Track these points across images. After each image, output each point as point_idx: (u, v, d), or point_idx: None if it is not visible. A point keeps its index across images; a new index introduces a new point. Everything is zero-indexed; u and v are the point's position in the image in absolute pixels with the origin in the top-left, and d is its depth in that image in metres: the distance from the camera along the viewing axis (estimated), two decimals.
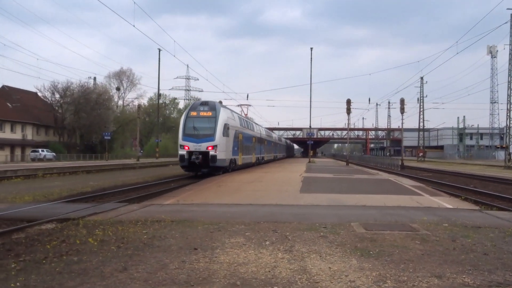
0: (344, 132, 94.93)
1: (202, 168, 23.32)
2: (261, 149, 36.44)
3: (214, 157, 23.18)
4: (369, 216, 8.07)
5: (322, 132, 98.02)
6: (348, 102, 35.04)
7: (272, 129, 73.30)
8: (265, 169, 25.56)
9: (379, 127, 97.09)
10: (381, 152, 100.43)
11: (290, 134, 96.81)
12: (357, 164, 43.60)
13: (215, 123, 23.56)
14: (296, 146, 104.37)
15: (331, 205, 9.57)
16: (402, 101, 34.86)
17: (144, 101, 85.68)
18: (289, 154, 78.32)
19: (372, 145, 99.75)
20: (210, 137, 23.27)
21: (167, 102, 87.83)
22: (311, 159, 42.97)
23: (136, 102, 76.28)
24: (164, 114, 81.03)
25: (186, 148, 23.21)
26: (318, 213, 8.46)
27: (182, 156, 23.18)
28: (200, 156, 22.98)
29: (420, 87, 58.83)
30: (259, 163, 34.84)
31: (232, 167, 25.61)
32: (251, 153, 31.45)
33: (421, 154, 61.70)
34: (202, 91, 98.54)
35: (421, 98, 58.95)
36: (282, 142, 58.91)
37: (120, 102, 78.47)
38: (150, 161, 42.02)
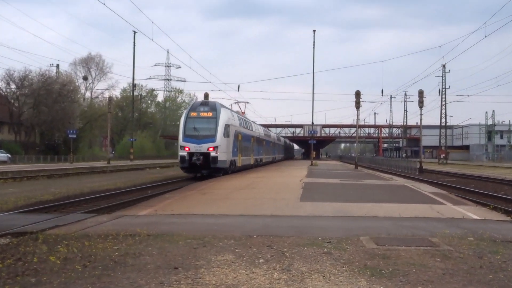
0: (353, 130, 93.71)
1: (202, 169, 25.84)
2: (260, 150, 38.72)
3: (215, 158, 25.71)
4: (381, 229, 8.06)
5: (327, 130, 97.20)
6: (357, 94, 34.96)
7: (267, 126, 72.96)
8: (260, 173, 25.79)
9: (394, 123, 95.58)
10: (396, 153, 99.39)
11: (289, 132, 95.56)
12: (368, 167, 43.41)
13: (216, 124, 26.08)
14: (296, 146, 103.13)
15: (336, 216, 9.54)
16: (420, 93, 34.27)
17: (116, 93, 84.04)
18: (289, 155, 78.26)
19: (385, 145, 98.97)
20: (211, 138, 25.79)
21: (144, 94, 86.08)
22: (314, 161, 42.33)
23: (106, 94, 74.69)
24: (140, 108, 78.93)
25: (187, 149, 25.70)
26: (321, 225, 8.45)
27: (182, 157, 25.64)
28: (201, 157, 25.49)
29: (442, 76, 58.21)
30: (257, 165, 37.17)
31: (231, 169, 28.04)
32: (250, 154, 33.97)
33: (443, 155, 61.31)
34: (184, 81, 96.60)
35: (443, 89, 58.48)
36: (281, 142, 59.35)
37: (88, 94, 76.93)
38: (123, 163, 42.23)
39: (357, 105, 34.97)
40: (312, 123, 43.48)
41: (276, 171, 27.52)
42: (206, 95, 32.33)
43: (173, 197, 13.22)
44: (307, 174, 24.31)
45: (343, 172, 27.52)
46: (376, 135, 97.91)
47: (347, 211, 10.19)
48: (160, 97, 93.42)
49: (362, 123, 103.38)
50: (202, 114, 26.78)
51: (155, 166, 42.05)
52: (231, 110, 31.39)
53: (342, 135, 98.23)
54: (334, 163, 52.06)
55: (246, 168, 32.35)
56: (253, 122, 40.45)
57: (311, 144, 44.81)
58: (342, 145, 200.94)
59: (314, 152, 54.07)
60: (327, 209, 10.38)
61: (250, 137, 34.20)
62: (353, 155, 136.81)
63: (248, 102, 43.30)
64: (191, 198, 12.68)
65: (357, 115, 37.52)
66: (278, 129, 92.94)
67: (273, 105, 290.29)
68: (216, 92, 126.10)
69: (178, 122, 72.79)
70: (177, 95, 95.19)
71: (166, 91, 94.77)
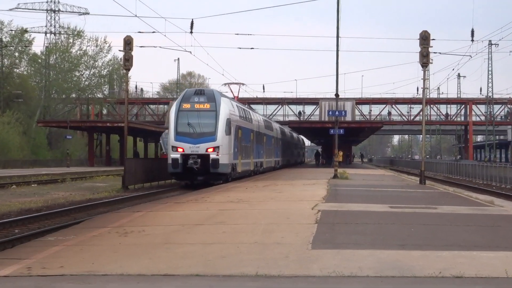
0: (416, 109, 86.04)
1: (199, 175, 29.29)
2: (260, 150, 42.24)
3: (215, 161, 29.14)
4: None
5: (364, 108, 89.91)
6: (425, 39, 27.79)
7: (249, 102, 72.28)
8: (241, 191, 24.32)
9: (496, 96, 75.88)
10: (501, 153, 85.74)
11: (291, 112, 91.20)
12: (446, 181, 41.88)
13: (215, 118, 29.40)
14: (306, 141, 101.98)
15: (384, 278, 7.86)
16: None
17: None
18: (297, 157, 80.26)
19: (480, 138, 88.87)
20: (211, 136, 29.14)
21: (7, 39, 68.31)
22: (340, 169, 38.64)
23: None
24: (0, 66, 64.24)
25: (180, 150, 28.94)
26: None
27: (174, 161, 28.98)
28: (199, 160, 28.79)
29: None
30: (256, 172, 40.55)
31: (232, 175, 31.62)
32: (249, 156, 37.55)
33: None
34: (86, 13, 78.97)
35: None
36: (286, 137, 63.07)
37: None
38: None
39: (424, 60, 27.91)
40: (337, 94, 37.00)
41: (271, 188, 25.98)
42: (127, 42, 30.32)
43: (66, 240, 11.36)
44: (327, 194, 21.90)
45: (397, 191, 24.99)
46: (463, 118, 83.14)
47: (405, 266, 8.50)
48: (37, 45, 76.59)
49: (433, 95, 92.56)
50: (197, 106, 29.73)
51: (29, 181, 35.79)
52: (230, 98, 34.45)
53: (395, 118, 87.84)
54: (379, 173, 49.30)
55: (244, 176, 35.40)
56: (251, 109, 44.00)
57: (335, 137, 37.99)
58: (395, 138, 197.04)
59: (341, 153, 51.98)
60: (364, 264, 8.58)
61: (249, 132, 37.52)
62: (416, 158, 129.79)
63: (243, 84, 46.46)
64: (101, 243, 10.97)
65: (424, 80, 29.98)
66: (270, 108, 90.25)
67: (259, 60, 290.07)
68: (148, 34, 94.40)
69: (85, 97, 72.62)
70: (71, 41, 77.71)
71: (51, 33, 78.31)
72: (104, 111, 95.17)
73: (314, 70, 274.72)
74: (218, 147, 29.39)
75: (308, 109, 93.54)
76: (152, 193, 29.07)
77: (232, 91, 43.98)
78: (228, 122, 30.71)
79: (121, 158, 67.33)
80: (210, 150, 29.44)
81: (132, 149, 74.99)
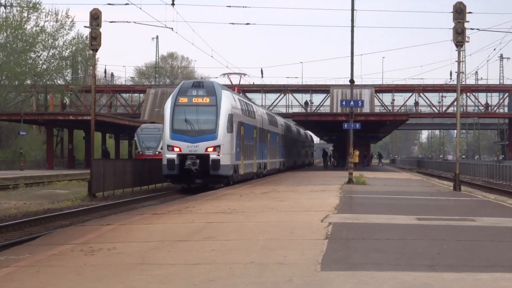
0: (449, 98, 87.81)
1: (197, 178, 32.12)
2: (263, 150, 45.37)
3: (216, 162, 31.71)
4: None
5: (385, 97, 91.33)
6: (460, 12, 27.46)
7: (244, 91, 72.61)
8: (238, 200, 24.60)
9: None
10: None
11: (296, 103, 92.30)
12: (486, 186, 42.64)
13: (216, 114, 31.92)
14: (315, 139, 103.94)
15: None
16: None
17: None
18: (305, 158, 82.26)
19: None
20: (211, 134, 31.72)
21: None
22: (356, 173, 38.81)
23: None
24: None
25: (177, 149, 31.61)
26: None
27: (170, 162, 31.63)
28: (198, 160, 31.39)
29: None
30: (259, 174, 43.70)
31: (234, 178, 34.57)
32: (252, 155, 40.38)
33: None
34: None
35: None
36: (292, 133, 66.04)
37: None
38: None
39: (459, 38, 27.90)
40: (352, 80, 37.43)
41: (271, 196, 26.39)
42: (94, 16, 31.15)
43: (18, 260, 11.38)
44: (340, 203, 22.35)
45: (426, 200, 25.81)
46: (507, 109, 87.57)
47: None
48: None
49: (470, 82, 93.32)
50: (196, 100, 32.18)
51: None
52: (232, 91, 37.04)
53: (423, 110, 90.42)
54: (404, 177, 49.88)
55: (247, 179, 38.35)
56: (253, 102, 47.59)
57: (349, 133, 38.56)
58: (423, 134, 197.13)
59: (357, 152, 52.43)
60: None
61: (252, 129, 40.51)
62: (449, 158, 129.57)
63: (245, 74, 49.32)
64: (62, 263, 10.98)
65: (458, 62, 30.00)
66: (270, 97, 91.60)
67: (256, 38, 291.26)
68: (119, 7, 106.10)
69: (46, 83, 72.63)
70: (26, 15, 76.68)
71: (0, 5, 77.76)
72: (66, 101, 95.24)
73: (323, 51, 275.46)
74: (219, 146, 31.86)
75: (317, 98, 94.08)
76: (126, 202, 29.40)
77: (231, 82, 46.43)
78: (230, 118, 33.06)
79: (87, 159, 67.42)
80: (210, 149, 31.94)
81: (100, 147, 75.13)
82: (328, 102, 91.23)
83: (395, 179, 45.83)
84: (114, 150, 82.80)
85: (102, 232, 15.31)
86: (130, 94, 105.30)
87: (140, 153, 60.70)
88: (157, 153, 59.35)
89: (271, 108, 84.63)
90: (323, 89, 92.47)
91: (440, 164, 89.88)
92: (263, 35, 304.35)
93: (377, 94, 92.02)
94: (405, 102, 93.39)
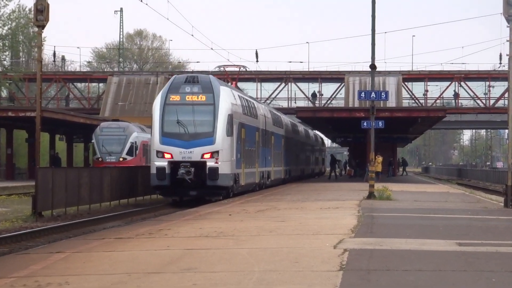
0: (498, 89, 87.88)
1: (191, 189, 34.73)
2: (266, 155, 48.52)
3: (214, 171, 34.22)
4: None
5: (417, 88, 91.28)
6: None
7: (233, 78, 72.06)
8: (227, 220, 24.84)
9: None
10: None
11: (299, 96, 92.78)
12: None
13: (214, 115, 34.44)
14: (325, 140, 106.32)
15: None
16: None
17: None
18: (315, 164, 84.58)
19: None
20: (208, 137, 34.28)
21: None
22: (377, 184, 39.32)
23: None
24: None
25: (168, 156, 34.07)
26: None
27: (160, 171, 34.22)
28: (192, 169, 33.82)
29: None
30: (262, 185, 46.82)
31: (234, 189, 37.02)
32: (254, 163, 43.17)
33: None
34: None
35: None
36: (300, 136, 69.48)
37: None
38: None
39: (511, 10, 28.82)
40: (373, 65, 37.53)
41: (269, 214, 26.45)
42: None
43: None
44: (358, 224, 22.71)
45: (469, 219, 25.83)
46: None
47: None
48: None
49: None
50: (189, 98, 34.62)
51: None
52: (231, 88, 40.01)
53: (465, 104, 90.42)
54: (441, 190, 51.15)
55: (248, 190, 41.46)
56: (255, 99, 50.68)
57: (370, 133, 39.03)
58: (466, 134, 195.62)
59: (380, 159, 52.08)
60: None
61: (254, 131, 43.41)
62: (499, 165, 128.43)
63: (244, 67, 51.56)
64: None
65: (510, 42, 30.60)
66: (268, 87, 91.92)
67: (250, 12, 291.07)
68: None
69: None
70: None
71: None
72: (4, 93, 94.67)
73: (336, 28, 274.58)
74: (217, 152, 34.39)
75: (328, 89, 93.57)
76: (82, 223, 29.32)
77: (229, 77, 49.13)
78: (230, 119, 35.47)
79: (30, 167, 67.18)
80: (207, 156, 34.48)
81: (48, 153, 74.71)
82: (342, 94, 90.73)
83: (429, 193, 46.12)
84: (66, 156, 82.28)
85: (51, 261, 15.22)
86: (87, 84, 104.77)
87: (99, 159, 60.40)
88: (121, 159, 59.15)
89: (268, 102, 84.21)
90: (336, 76, 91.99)
91: (487, 173, 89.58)
92: (258, 7, 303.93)
93: (406, 83, 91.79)
94: (441, 94, 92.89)
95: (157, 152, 34.23)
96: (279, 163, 54.45)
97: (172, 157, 33.98)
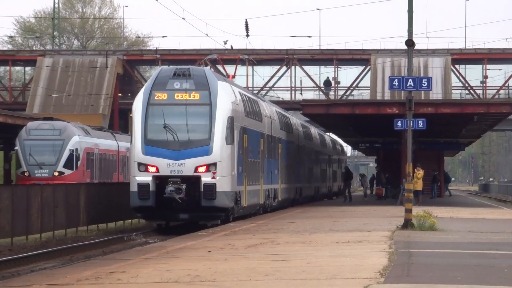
0: None
1: (181, 212, 36.42)
2: (273, 169, 50.78)
3: (211, 188, 36.17)
4: None
5: (471, 73, 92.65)
6: None
7: (213, 61, 72.69)
8: (206, 259, 25.48)
9: None
10: None
11: (306, 85, 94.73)
12: None
13: (210, 117, 36.33)
14: (342, 144, 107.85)
15: None
16: None
17: None
18: (332, 180, 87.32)
19: None
20: (203, 146, 36.23)
21: None
22: (415, 209, 39.55)
23: None
24: None
25: (153, 170, 36.03)
26: None
27: (143, 188, 35.84)
28: (184, 186, 35.54)
29: None
30: (267, 207, 49.01)
31: (234, 211, 39.10)
32: (257, 178, 45.55)
33: None
34: None
35: None
36: (315, 142, 72.99)
37: None
38: None
39: None
40: (410, 41, 37.94)
41: (265, 251, 26.91)
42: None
43: None
44: (390, 264, 22.38)
45: None
46: None
47: None
48: None
49: None
50: (180, 96, 36.65)
51: None
52: (229, 82, 42.00)
53: None
54: (505, 216, 51.79)
55: (250, 213, 44.11)
56: (260, 98, 54.08)
57: (406, 137, 39.90)
58: None
59: (421, 172, 52.08)
60: None
61: (258, 137, 45.71)
62: None
63: (246, 56, 56.96)
64: None
65: None
66: (264, 71, 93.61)
67: None
68: None
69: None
70: None
71: None
72: None
73: None
74: (214, 164, 36.12)
75: (346, 74, 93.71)
76: (2, 262, 29.11)
77: (224, 68, 51.67)
78: (231, 122, 37.20)
79: None
80: (202, 169, 36.34)
81: None
82: (366, 81, 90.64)
83: (489, 220, 46.25)
84: None
85: None
86: (7, 68, 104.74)
87: (26, 174, 60.06)
88: (56, 174, 58.95)
89: (263, 93, 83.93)
90: (358, 57, 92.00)
91: None
92: None
93: (456, 66, 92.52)
94: (507, 81, 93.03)
95: (139, 164, 35.78)
96: (288, 179, 56.11)
97: (157, 170, 35.65)
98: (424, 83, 39.45)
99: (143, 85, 39.30)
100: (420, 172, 53.15)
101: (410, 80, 37.80)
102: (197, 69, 38.07)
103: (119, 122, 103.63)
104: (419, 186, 53.28)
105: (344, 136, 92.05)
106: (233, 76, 50.57)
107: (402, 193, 41.61)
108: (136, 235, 38.24)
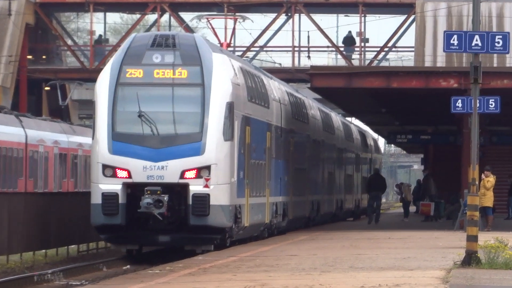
0: None
1: (162, 232, 33.98)
2: (283, 175, 46.29)
3: (203, 200, 33.57)
4: None
5: None
6: None
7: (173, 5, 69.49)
8: None
9: None
10: None
11: (316, 46, 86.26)
12: None
13: (202, 102, 33.97)
14: (374, 137, 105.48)
15: None
16: None
17: None
18: (361, 192, 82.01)
19: None
20: (192, 142, 33.89)
21: None
22: (481, 235, 35.13)
23: None
24: None
25: (123, 174, 33.62)
26: None
27: (109, 199, 33.21)
28: (166, 197, 33.05)
29: None
30: (274, 229, 45.40)
31: (232, 234, 36.81)
32: (262, 186, 41.65)
33: None
34: None
35: None
36: (337, 133, 67.30)
37: None
38: None
39: None
40: None
41: None
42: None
43: None
44: None
45: None
46: None
47: None
48: None
49: None
50: (161, 73, 32.87)
51: None
52: (227, 52, 39.66)
53: None
54: None
55: (251, 236, 41.03)
56: (266, 74, 48.47)
57: (470, 124, 34.55)
58: None
59: (491, 181, 47.65)
60: None
61: (265, 129, 41.91)
62: None
63: (245, 16, 52.98)
64: None
65: None
66: (253, 23, 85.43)
67: None
68: None
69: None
70: None
71: None
72: None
73: None
74: (208, 168, 32.06)
75: (378, 27, 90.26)
76: None
77: (217, 35, 46.14)
78: (230, 110, 32.93)
79: None
80: (191, 174, 32.21)
81: None
82: (409, 39, 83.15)
83: None
84: None
85: None
86: None
87: None
88: None
89: (249, 56, 77.19)
90: (397, 0, 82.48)
91: None
92: None
93: None
94: None
95: (104, 167, 31.90)
96: (301, 189, 51.57)
97: (129, 176, 31.79)
98: (498, 42, 31.85)
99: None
100: (490, 179, 45.14)
101: (477, 36, 30.51)
102: (185, 36, 34.70)
103: (29, 99, 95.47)
104: (489, 200, 45.39)
105: (373, 124, 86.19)
106: (228, 45, 45.99)
107: (463, 211, 36.42)
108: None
